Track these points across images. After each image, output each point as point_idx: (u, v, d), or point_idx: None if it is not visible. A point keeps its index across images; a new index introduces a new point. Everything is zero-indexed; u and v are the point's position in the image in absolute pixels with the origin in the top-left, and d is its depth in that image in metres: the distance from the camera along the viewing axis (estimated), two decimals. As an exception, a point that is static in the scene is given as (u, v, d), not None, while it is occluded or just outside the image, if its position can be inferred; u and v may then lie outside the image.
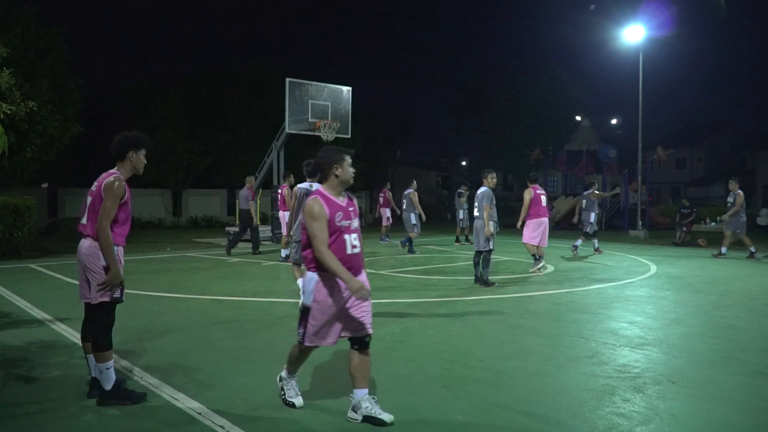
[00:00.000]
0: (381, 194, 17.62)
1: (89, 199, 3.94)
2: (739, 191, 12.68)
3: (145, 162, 4.08)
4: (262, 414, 3.70)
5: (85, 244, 3.87)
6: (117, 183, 3.81)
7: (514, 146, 33.52)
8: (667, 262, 12.22)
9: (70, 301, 7.12)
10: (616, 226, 24.59)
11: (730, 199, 12.85)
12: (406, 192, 14.09)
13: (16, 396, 4.02)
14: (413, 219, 13.79)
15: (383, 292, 8.40)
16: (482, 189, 8.63)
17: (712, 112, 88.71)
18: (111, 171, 3.93)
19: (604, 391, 4.13)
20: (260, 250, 13.66)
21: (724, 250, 12.93)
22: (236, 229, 17.10)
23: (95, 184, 3.91)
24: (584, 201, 13.95)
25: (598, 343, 5.45)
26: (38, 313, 6.75)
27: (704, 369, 4.69)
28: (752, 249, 12.71)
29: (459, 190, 16.86)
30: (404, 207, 14.12)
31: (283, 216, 12.15)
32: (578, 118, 32.01)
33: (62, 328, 5.97)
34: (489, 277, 8.79)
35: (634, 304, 7.52)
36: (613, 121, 41.37)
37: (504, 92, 34.98)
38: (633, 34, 20.75)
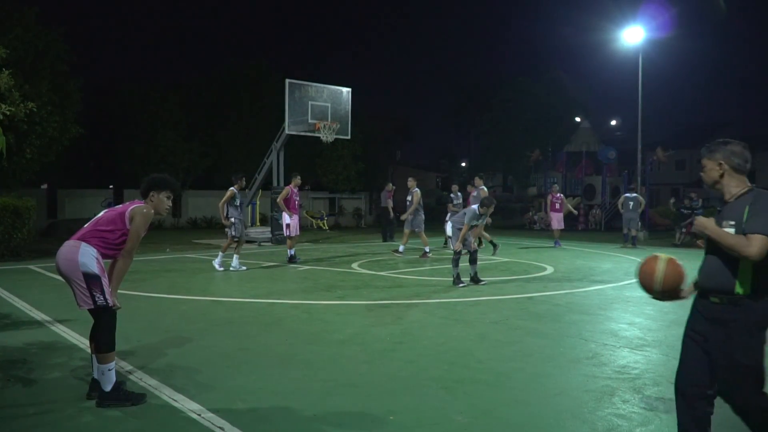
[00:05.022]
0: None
1: (102, 212, 4.12)
2: (416, 189, 13.28)
3: (170, 204, 4.20)
4: (261, 415, 3.70)
5: (64, 250, 3.90)
6: (149, 210, 3.99)
7: (513, 147, 33.51)
8: (667, 263, 12.17)
9: (69, 303, 7.06)
10: (615, 227, 24.57)
11: (408, 197, 13.38)
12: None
13: (15, 397, 4.02)
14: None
15: (383, 292, 8.42)
16: (473, 207, 9.14)
17: (712, 113, 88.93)
18: (139, 201, 4.09)
19: (603, 392, 4.13)
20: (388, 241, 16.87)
21: (402, 248, 13.32)
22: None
23: (119, 206, 4.08)
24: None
25: (598, 345, 5.45)
26: (37, 315, 6.74)
27: (704, 370, 4.68)
28: (426, 249, 13.18)
29: (451, 194, 16.27)
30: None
31: (284, 217, 12.14)
32: (578, 119, 32.03)
33: (61, 330, 5.97)
34: (459, 275, 8.89)
35: (634, 305, 7.51)
36: (613, 123, 41.43)
37: (503, 93, 34.96)
38: (632, 35, 20.78)
